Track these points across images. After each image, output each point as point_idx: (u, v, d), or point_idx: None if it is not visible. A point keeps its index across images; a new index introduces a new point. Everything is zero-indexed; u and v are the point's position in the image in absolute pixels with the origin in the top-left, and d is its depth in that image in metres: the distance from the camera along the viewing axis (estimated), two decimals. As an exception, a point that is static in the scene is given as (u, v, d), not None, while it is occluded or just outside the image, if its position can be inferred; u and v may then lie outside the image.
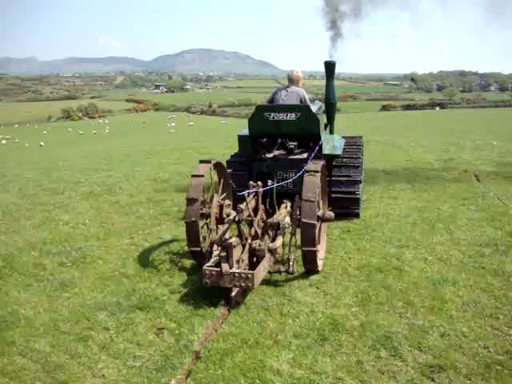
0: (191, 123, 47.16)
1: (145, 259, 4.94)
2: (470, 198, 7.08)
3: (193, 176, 4.57)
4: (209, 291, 3.99)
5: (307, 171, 4.34)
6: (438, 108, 60.32)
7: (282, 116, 5.56)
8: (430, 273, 4.40)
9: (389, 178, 8.61)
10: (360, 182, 6.12)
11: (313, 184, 4.22)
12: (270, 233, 4.52)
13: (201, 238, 4.51)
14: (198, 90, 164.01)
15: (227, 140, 17.23)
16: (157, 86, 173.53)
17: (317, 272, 4.39)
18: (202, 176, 4.52)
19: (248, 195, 4.30)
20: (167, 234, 5.72)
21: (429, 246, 5.10)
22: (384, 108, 67.08)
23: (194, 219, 4.37)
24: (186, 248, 5.11)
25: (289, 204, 5.00)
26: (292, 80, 6.18)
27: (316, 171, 4.31)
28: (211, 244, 4.54)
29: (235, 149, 13.89)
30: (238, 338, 3.31)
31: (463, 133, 16.90)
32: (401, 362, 3.03)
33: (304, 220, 4.09)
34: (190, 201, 4.42)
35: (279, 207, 4.76)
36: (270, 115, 5.60)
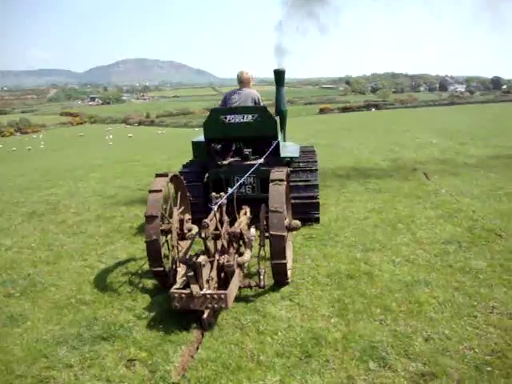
0: (130, 135, 46.08)
1: (102, 282, 4.55)
2: (423, 196, 7.18)
3: (150, 191, 4.26)
4: (177, 313, 3.70)
5: (272, 180, 4.16)
6: (373, 109, 62.22)
7: (238, 118, 5.43)
8: (400, 275, 4.33)
9: (341, 181, 8.61)
10: (318, 186, 6.04)
11: (279, 193, 4.05)
12: (235, 244, 4.30)
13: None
14: (135, 101, 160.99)
15: (170, 150, 16.89)
16: (92, 98, 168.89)
17: (287, 284, 4.22)
18: (160, 191, 4.23)
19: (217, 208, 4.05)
20: (122, 253, 5.35)
21: (394, 248, 5.06)
22: (322, 111, 68.13)
23: (154, 237, 4.07)
24: (145, 267, 4.82)
25: (248, 210, 4.84)
26: (243, 82, 6.08)
27: (281, 180, 4.14)
28: (174, 262, 4.26)
29: (180, 158, 13.65)
30: (218, 363, 3.05)
31: (403, 132, 17.41)
32: (391, 372, 2.89)
33: (273, 232, 3.90)
34: (149, 218, 4.11)
35: (239, 214, 4.58)
36: (226, 118, 5.47)
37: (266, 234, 4.14)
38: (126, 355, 3.24)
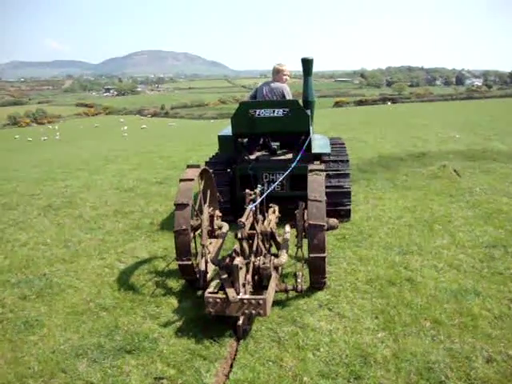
0: (144, 126, 45.86)
1: (123, 285, 4.22)
2: (456, 194, 6.78)
3: (181, 180, 3.96)
4: (207, 322, 3.40)
5: (311, 170, 3.90)
6: (389, 103, 61.27)
7: (268, 112, 5.10)
8: (445, 283, 3.97)
9: (366, 177, 8.23)
10: (349, 175, 5.75)
11: (318, 183, 3.77)
12: (266, 244, 4.00)
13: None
14: (150, 93, 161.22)
15: (186, 142, 16.57)
16: (107, 90, 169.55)
17: (324, 284, 3.88)
18: (192, 180, 3.94)
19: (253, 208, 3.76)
20: (143, 252, 5.04)
21: (434, 251, 4.69)
22: (337, 104, 67.38)
23: (184, 227, 3.74)
24: (168, 268, 4.52)
25: (276, 208, 4.55)
26: (274, 74, 5.82)
27: (320, 170, 3.89)
28: (205, 262, 3.95)
29: (197, 151, 13.30)
30: (257, 384, 2.72)
31: (422, 126, 16.87)
32: (455, 402, 2.54)
33: (312, 222, 3.58)
34: (180, 206, 3.81)
35: (267, 213, 4.28)
36: (255, 112, 5.13)
37: (304, 234, 3.85)
38: (153, 372, 2.91)
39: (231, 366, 2.92)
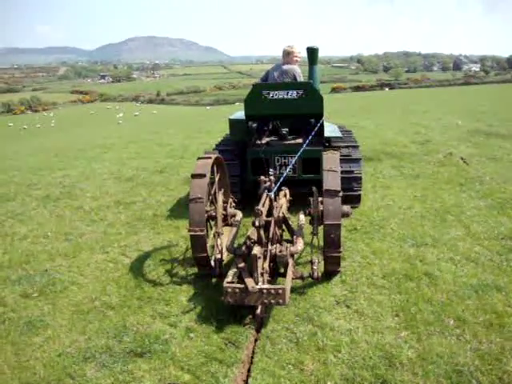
0: (137, 113, 45.43)
1: (129, 281, 4.04)
2: (466, 183, 6.62)
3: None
4: (219, 322, 3.24)
5: (325, 151, 3.91)
6: (387, 89, 60.84)
7: (282, 94, 5.00)
8: (464, 277, 3.81)
9: (373, 165, 8.06)
10: (360, 159, 5.66)
11: (333, 158, 3.78)
12: (278, 231, 3.88)
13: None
14: (145, 79, 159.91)
15: (184, 129, 16.33)
16: (102, 76, 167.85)
17: (338, 265, 3.78)
18: (210, 158, 3.94)
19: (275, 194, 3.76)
20: (147, 246, 4.86)
21: (449, 243, 4.53)
22: (334, 90, 66.84)
23: (199, 196, 3.71)
24: (175, 263, 4.35)
25: (287, 191, 4.48)
26: (284, 56, 5.71)
27: (336, 147, 4.04)
28: (220, 251, 3.89)
29: (195, 139, 13.07)
30: (279, 391, 2.56)
31: (423, 113, 16.68)
32: (492, 411, 2.39)
33: (327, 187, 3.54)
34: (197, 176, 3.80)
35: (278, 196, 4.22)
36: (268, 94, 5.05)
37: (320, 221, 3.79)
38: (166, 377, 2.73)
39: (249, 371, 2.76)
